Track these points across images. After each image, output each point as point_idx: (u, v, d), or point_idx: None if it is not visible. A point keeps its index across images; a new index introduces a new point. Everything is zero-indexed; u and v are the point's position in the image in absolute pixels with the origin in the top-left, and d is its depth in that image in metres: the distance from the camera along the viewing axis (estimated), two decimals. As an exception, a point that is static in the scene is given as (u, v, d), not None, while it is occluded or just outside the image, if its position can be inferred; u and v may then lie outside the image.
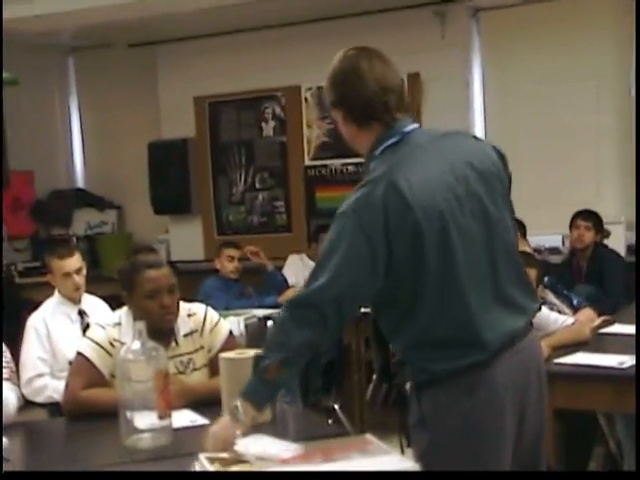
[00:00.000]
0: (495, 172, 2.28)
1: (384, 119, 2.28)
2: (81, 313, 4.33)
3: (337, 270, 2.15)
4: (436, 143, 2.28)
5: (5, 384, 2.88)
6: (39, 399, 4.02)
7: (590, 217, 5.81)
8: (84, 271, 4.36)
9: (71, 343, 4.08)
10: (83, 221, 8.18)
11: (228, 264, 5.82)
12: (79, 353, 2.99)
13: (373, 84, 2.27)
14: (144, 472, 1.86)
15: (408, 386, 3.06)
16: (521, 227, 5.32)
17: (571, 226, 5.82)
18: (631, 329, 3.93)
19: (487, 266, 2.22)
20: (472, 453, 2.18)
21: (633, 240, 6.24)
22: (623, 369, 3.20)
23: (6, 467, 2.29)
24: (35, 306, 4.39)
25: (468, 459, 2.18)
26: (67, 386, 3.00)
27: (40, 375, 4.07)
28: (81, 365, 2.96)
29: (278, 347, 2.16)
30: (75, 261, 4.32)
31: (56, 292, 4.37)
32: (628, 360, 3.27)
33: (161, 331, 2.94)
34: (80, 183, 8.60)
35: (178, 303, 3.02)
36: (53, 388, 3.98)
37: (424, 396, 2.21)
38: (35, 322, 4.21)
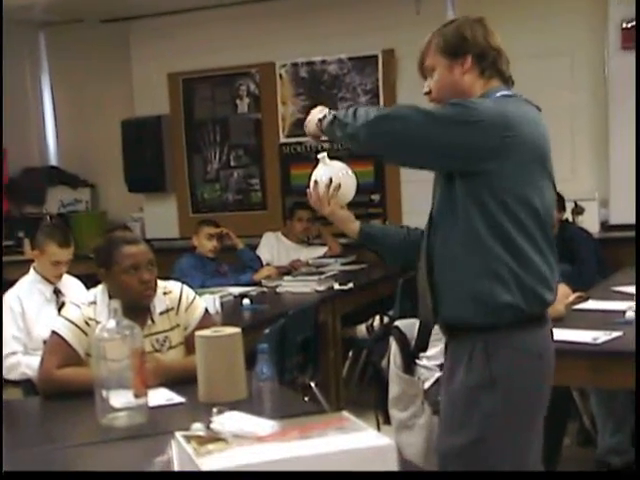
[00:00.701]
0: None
1: (504, 74, 2.48)
2: (56, 292, 4.32)
3: None
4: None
5: None
6: (12, 376, 4.00)
7: None
8: (69, 264, 4.34)
9: (46, 322, 4.08)
10: (57, 199, 8.12)
11: (207, 242, 5.80)
12: (54, 332, 2.97)
13: (497, 41, 2.46)
14: (145, 472, 1.86)
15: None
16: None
17: None
18: (605, 305, 3.97)
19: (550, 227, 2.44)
20: (531, 416, 2.40)
21: (607, 217, 6.28)
22: (597, 344, 3.23)
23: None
24: (8, 285, 4.35)
25: (526, 422, 2.38)
26: (42, 365, 2.99)
27: (13, 353, 4.05)
28: (56, 344, 2.95)
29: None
30: (69, 253, 4.31)
31: (32, 270, 4.34)
32: (602, 336, 3.30)
33: (139, 308, 2.94)
34: (53, 161, 8.51)
35: (156, 279, 3.01)
36: (26, 364, 3.96)
37: (494, 357, 2.33)
38: (9, 300, 4.18)
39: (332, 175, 2.60)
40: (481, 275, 2.33)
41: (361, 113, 2.35)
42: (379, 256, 2.81)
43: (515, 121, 2.32)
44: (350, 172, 2.64)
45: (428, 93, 2.54)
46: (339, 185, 2.60)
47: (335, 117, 2.44)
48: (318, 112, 2.56)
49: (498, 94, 2.42)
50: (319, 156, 2.64)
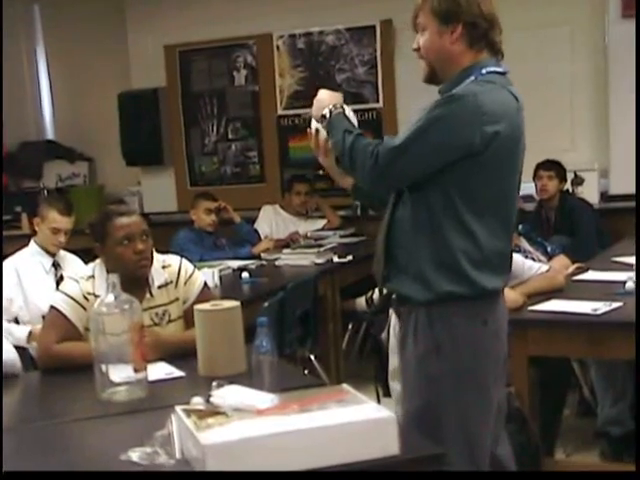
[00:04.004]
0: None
1: (495, 46, 2.44)
2: (55, 265, 4.35)
3: None
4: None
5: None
6: None
7: (552, 167, 5.72)
8: (68, 234, 4.36)
9: (44, 293, 4.13)
10: (54, 173, 8.09)
11: (205, 217, 5.77)
12: (52, 307, 2.96)
13: (491, 8, 2.42)
14: (147, 472, 1.86)
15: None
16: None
17: (534, 178, 5.69)
18: (605, 275, 3.96)
19: (514, 206, 2.51)
20: (479, 380, 2.42)
21: (607, 187, 6.26)
22: (597, 315, 3.23)
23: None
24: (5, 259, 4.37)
25: (474, 385, 2.42)
26: (41, 340, 2.99)
27: None
28: (55, 319, 2.94)
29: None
30: (70, 222, 4.35)
31: (32, 242, 4.38)
32: (602, 306, 3.29)
33: (136, 280, 2.93)
34: (50, 134, 8.48)
35: (152, 250, 3.00)
36: (6, 329, 3.95)
37: (438, 324, 2.40)
38: (6, 270, 4.21)
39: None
40: (428, 261, 2.40)
41: (358, 160, 2.45)
42: (372, 208, 2.86)
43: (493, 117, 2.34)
44: (352, 119, 2.63)
45: (417, 49, 2.54)
46: None
47: (340, 136, 2.50)
48: (328, 100, 2.57)
49: (485, 70, 2.41)
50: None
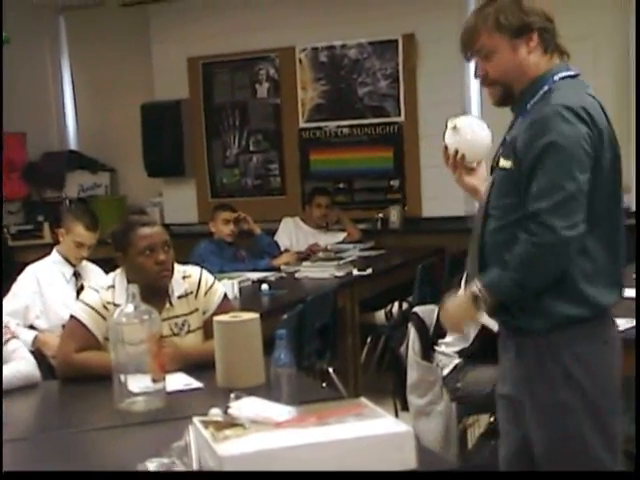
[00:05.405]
0: None
1: (561, 47, 2.41)
2: (76, 275, 4.39)
3: None
4: None
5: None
6: None
7: None
8: (92, 248, 4.40)
9: (64, 301, 4.15)
10: (76, 183, 8.13)
11: (224, 227, 5.78)
12: (72, 316, 2.98)
13: (547, 9, 2.39)
14: (145, 472, 1.86)
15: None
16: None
17: None
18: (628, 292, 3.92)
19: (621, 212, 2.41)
20: (612, 399, 2.35)
21: (629, 204, 6.21)
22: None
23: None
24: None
25: (609, 406, 2.34)
26: (60, 349, 3.00)
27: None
28: (75, 328, 2.95)
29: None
30: (94, 237, 4.38)
31: (54, 251, 4.42)
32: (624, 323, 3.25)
33: (157, 290, 2.94)
34: (73, 145, 8.53)
35: (173, 261, 3.01)
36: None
37: (563, 353, 2.29)
38: (24, 277, 4.28)
39: (457, 146, 2.60)
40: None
41: (537, 264, 2.25)
42: None
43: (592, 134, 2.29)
44: (480, 134, 2.62)
45: (483, 77, 2.40)
46: (463, 156, 2.59)
47: (505, 287, 2.30)
48: (458, 315, 2.43)
49: (557, 77, 2.34)
50: (448, 122, 2.63)
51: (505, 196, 2.33)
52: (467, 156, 2.61)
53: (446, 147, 2.62)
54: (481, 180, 2.62)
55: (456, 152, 2.60)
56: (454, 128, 2.62)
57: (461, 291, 2.45)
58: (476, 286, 2.31)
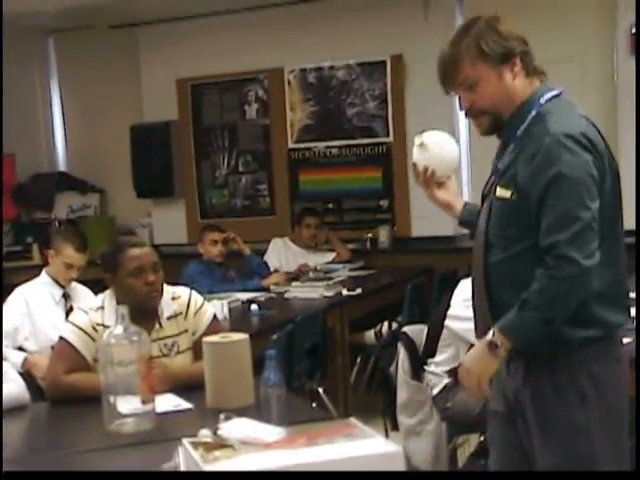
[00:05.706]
0: None
1: (538, 68, 2.38)
2: (65, 296, 4.38)
3: None
4: None
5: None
6: None
7: None
8: (81, 270, 4.40)
9: (53, 322, 4.15)
10: (65, 204, 8.12)
11: (212, 248, 5.79)
12: (61, 338, 2.97)
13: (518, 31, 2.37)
14: (146, 472, 1.85)
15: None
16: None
17: None
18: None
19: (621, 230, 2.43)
20: (623, 418, 2.34)
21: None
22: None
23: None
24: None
25: (620, 424, 2.33)
26: (49, 371, 2.99)
27: None
28: (63, 350, 2.95)
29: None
30: (84, 259, 4.38)
31: (43, 272, 4.41)
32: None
33: (146, 311, 2.94)
34: (62, 166, 8.52)
35: (162, 282, 3.01)
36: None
37: (578, 374, 2.27)
38: (13, 299, 4.26)
39: (426, 163, 2.59)
40: None
41: (558, 297, 2.19)
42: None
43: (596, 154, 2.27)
44: (447, 149, 2.61)
45: (468, 109, 2.38)
46: (433, 172, 2.58)
47: (529, 325, 2.23)
48: (483, 362, 2.30)
49: (542, 99, 2.32)
50: (415, 139, 2.62)
51: (507, 227, 2.31)
52: (437, 172, 2.59)
53: (415, 164, 2.60)
54: (453, 194, 2.63)
55: (426, 169, 2.59)
56: (421, 145, 2.59)
57: (475, 342, 2.39)
58: (493, 334, 2.25)
